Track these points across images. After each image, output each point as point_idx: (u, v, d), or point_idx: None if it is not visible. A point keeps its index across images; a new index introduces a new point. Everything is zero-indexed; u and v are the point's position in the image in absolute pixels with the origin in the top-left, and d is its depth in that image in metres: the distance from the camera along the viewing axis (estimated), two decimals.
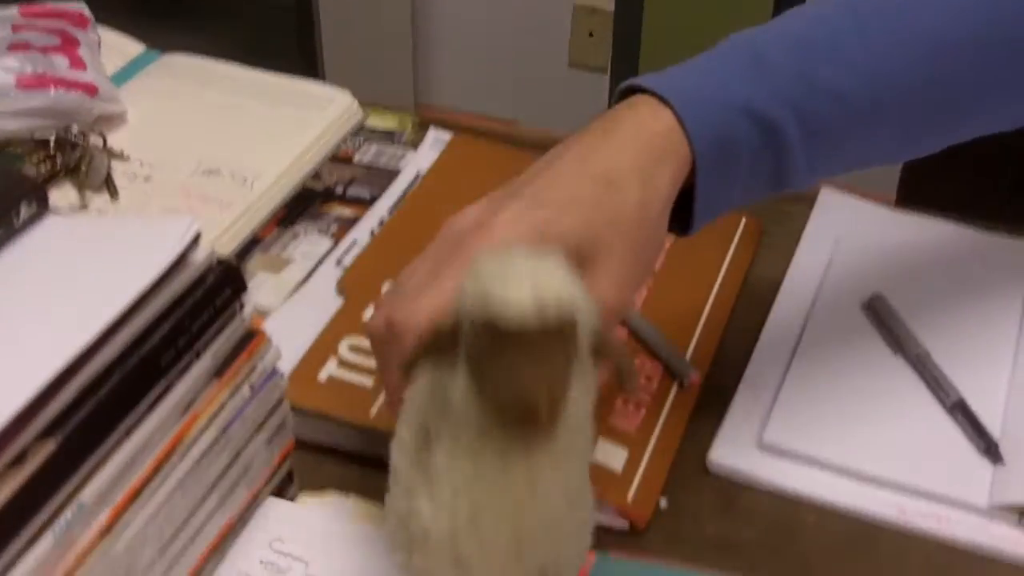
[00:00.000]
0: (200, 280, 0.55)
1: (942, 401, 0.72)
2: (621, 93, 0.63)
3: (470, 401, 0.48)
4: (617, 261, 0.57)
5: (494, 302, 0.45)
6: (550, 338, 0.45)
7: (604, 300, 0.54)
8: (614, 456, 0.67)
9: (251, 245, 0.83)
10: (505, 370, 0.45)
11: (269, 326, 0.61)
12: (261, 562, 0.60)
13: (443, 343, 0.49)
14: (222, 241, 0.81)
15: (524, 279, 0.45)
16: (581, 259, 0.56)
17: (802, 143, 0.62)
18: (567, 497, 0.51)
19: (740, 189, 0.63)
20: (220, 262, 0.56)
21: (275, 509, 0.63)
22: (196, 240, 0.54)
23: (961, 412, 0.70)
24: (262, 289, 0.78)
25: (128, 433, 0.52)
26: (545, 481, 0.49)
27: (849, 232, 0.85)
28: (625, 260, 0.57)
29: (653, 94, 0.61)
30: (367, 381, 0.70)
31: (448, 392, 0.49)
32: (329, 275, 0.80)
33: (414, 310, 0.55)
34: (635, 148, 0.59)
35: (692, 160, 0.60)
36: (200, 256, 0.55)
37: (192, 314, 0.54)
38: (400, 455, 0.54)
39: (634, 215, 0.58)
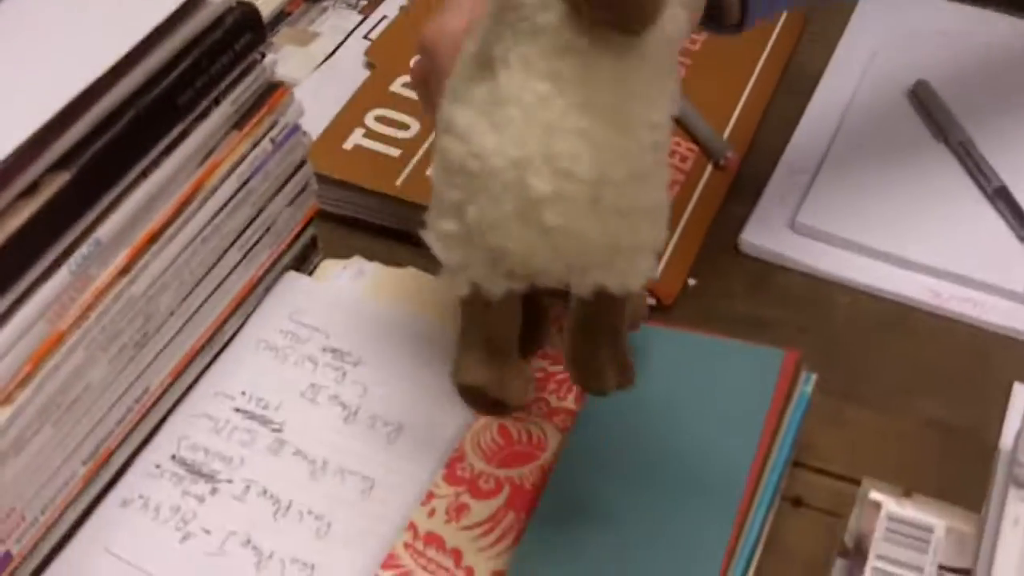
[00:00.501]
0: (218, 21, 0.53)
1: (983, 188, 0.69)
2: None
3: (550, 4, 0.39)
4: None
5: None
6: None
7: None
8: None
9: (278, 19, 0.80)
10: None
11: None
12: (281, 331, 0.60)
13: None
14: None
15: None
16: None
17: None
18: (652, 140, 0.41)
19: None
20: (240, 3, 0.54)
21: (296, 282, 0.63)
22: None
23: (1002, 199, 0.68)
24: (289, 62, 0.76)
25: (146, 174, 0.51)
26: (634, 105, 0.40)
27: (896, 22, 0.81)
28: None
29: None
30: (394, 151, 0.69)
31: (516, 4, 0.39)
32: (357, 49, 0.77)
33: (448, 20, 0.48)
34: None
35: None
36: None
37: (210, 55, 0.53)
38: (449, 98, 0.43)
39: None
